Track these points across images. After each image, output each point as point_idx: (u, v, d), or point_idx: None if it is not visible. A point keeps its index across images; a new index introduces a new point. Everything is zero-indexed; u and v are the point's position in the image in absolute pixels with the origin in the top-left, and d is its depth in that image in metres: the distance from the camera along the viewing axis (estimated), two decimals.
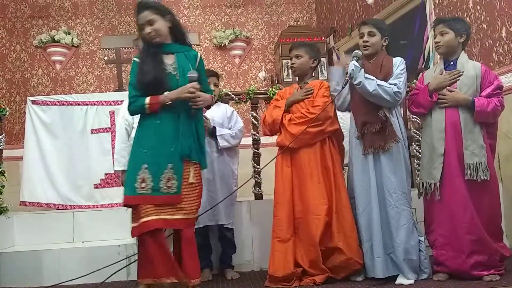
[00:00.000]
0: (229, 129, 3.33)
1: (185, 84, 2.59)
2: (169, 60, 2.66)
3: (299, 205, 2.98)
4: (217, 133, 3.24)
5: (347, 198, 3.00)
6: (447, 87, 2.86)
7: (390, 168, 2.88)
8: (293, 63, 3.16)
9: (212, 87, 3.23)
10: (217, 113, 3.35)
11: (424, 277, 2.86)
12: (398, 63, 2.97)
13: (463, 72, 2.81)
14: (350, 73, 2.86)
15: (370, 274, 2.89)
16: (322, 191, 2.96)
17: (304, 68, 3.17)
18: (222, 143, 3.24)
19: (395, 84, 2.89)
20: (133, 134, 3.22)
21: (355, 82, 2.87)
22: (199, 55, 2.76)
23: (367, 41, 2.98)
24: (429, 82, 2.93)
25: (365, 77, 2.86)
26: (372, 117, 2.90)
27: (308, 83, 3.16)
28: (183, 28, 2.78)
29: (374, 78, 2.87)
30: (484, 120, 2.82)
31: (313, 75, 3.24)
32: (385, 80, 2.91)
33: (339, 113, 3.21)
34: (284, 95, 3.21)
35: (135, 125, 3.25)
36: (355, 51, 2.97)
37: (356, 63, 2.89)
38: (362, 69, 2.89)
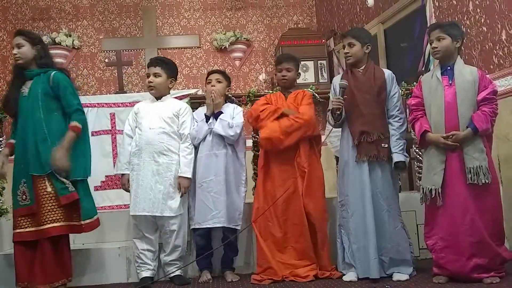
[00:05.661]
0: None
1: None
2: (28, 84, 2.92)
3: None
4: (220, 117, 3.29)
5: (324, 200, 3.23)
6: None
7: (384, 174, 3.05)
8: (284, 75, 3.32)
9: (214, 82, 3.40)
10: (225, 112, 3.37)
11: (414, 274, 3.02)
12: (391, 79, 3.14)
13: (457, 145, 2.81)
14: None
15: (365, 274, 2.97)
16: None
17: (293, 80, 3.37)
18: (217, 127, 3.27)
19: (398, 110, 3.11)
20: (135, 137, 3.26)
21: None
22: (52, 74, 2.89)
23: (347, 52, 3.15)
24: (428, 132, 2.90)
25: None
26: (371, 127, 3.03)
27: (292, 92, 3.34)
28: (49, 58, 3.00)
29: None
30: (486, 133, 2.86)
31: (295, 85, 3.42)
32: (379, 92, 3.06)
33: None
34: (271, 101, 3.32)
35: (137, 129, 3.28)
36: (340, 82, 3.10)
37: None
38: None
